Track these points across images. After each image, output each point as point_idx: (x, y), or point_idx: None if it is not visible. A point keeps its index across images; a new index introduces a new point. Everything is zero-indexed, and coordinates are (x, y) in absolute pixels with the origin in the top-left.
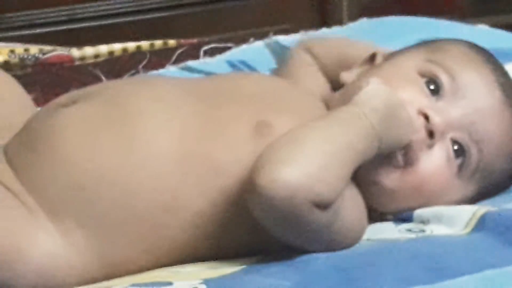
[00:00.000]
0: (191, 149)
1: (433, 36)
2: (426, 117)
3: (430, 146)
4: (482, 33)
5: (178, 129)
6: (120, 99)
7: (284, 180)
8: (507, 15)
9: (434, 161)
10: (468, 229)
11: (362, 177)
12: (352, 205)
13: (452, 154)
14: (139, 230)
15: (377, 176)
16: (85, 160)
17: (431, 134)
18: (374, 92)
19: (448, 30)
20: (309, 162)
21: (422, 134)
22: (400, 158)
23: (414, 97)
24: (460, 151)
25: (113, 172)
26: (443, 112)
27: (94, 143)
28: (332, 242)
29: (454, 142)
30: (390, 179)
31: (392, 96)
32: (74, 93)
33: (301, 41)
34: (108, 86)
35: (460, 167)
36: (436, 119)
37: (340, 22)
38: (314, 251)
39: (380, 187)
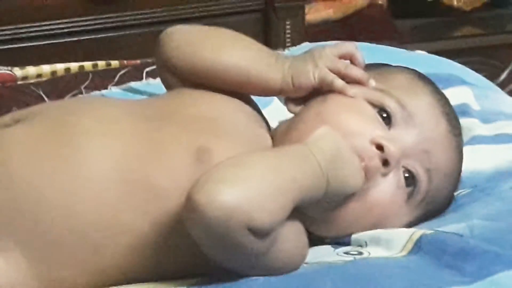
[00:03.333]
0: (130, 172)
1: (374, 61)
2: (380, 147)
3: (385, 175)
4: (420, 59)
5: (119, 151)
6: (62, 120)
7: (222, 200)
8: (443, 41)
9: (386, 190)
10: (405, 252)
11: (307, 212)
12: (292, 237)
13: (403, 182)
14: (78, 251)
15: (322, 209)
16: (26, 181)
17: (385, 162)
18: (323, 135)
19: (388, 55)
20: (250, 187)
21: (376, 162)
22: None
23: (366, 127)
24: (411, 180)
25: (53, 193)
26: (397, 141)
27: (35, 164)
28: (269, 270)
29: (406, 170)
30: (335, 211)
31: (340, 142)
32: (17, 113)
33: (158, 50)
34: (51, 107)
35: (410, 195)
36: (391, 149)
37: (283, 46)
38: (254, 276)
39: (326, 219)
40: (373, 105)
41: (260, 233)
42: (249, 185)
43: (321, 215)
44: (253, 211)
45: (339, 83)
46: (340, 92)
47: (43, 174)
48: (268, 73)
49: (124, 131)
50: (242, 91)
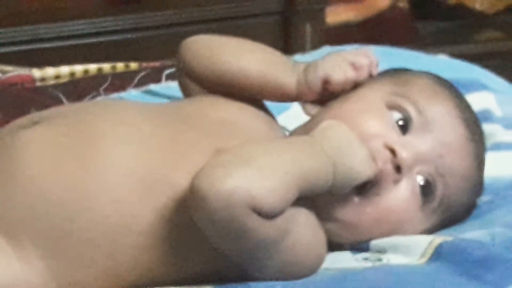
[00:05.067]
0: (150, 174)
1: (394, 65)
2: (393, 152)
3: (397, 182)
4: (442, 63)
5: (138, 154)
6: (81, 121)
7: (221, 181)
8: (465, 45)
9: (399, 196)
10: (425, 259)
11: (323, 214)
12: (307, 230)
13: (417, 188)
14: (97, 253)
15: (337, 212)
16: (43, 183)
17: (398, 168)
18: (329, 126)
19: (408, 59)
20: (249, 167)
21: (389, 168)
22: (355, 196)
23: (381, 130)
24: (427, 185)
25: (71, 196)
26: (411, 146)
27: (54, 166)
28: (284, 268)
29: (421, 176)
30: (350, 215)
31: (347, 131)
32: (35, 115)
33: (176, 59)
34: (69, 109)
35: (425, 201)
36: (403, 154)
37: (303, 50)
38: (269, 277)
39: (341, 222)
40: (391, 109)
41: (264, 213)
42: (248, 165)
43: (336, 210)
44: (253, 188)
45: (339, 77)
46: (342, 84)
47: (61, 176)
48: (284, 76)
49: (143, 134)
50: (259, 96)
